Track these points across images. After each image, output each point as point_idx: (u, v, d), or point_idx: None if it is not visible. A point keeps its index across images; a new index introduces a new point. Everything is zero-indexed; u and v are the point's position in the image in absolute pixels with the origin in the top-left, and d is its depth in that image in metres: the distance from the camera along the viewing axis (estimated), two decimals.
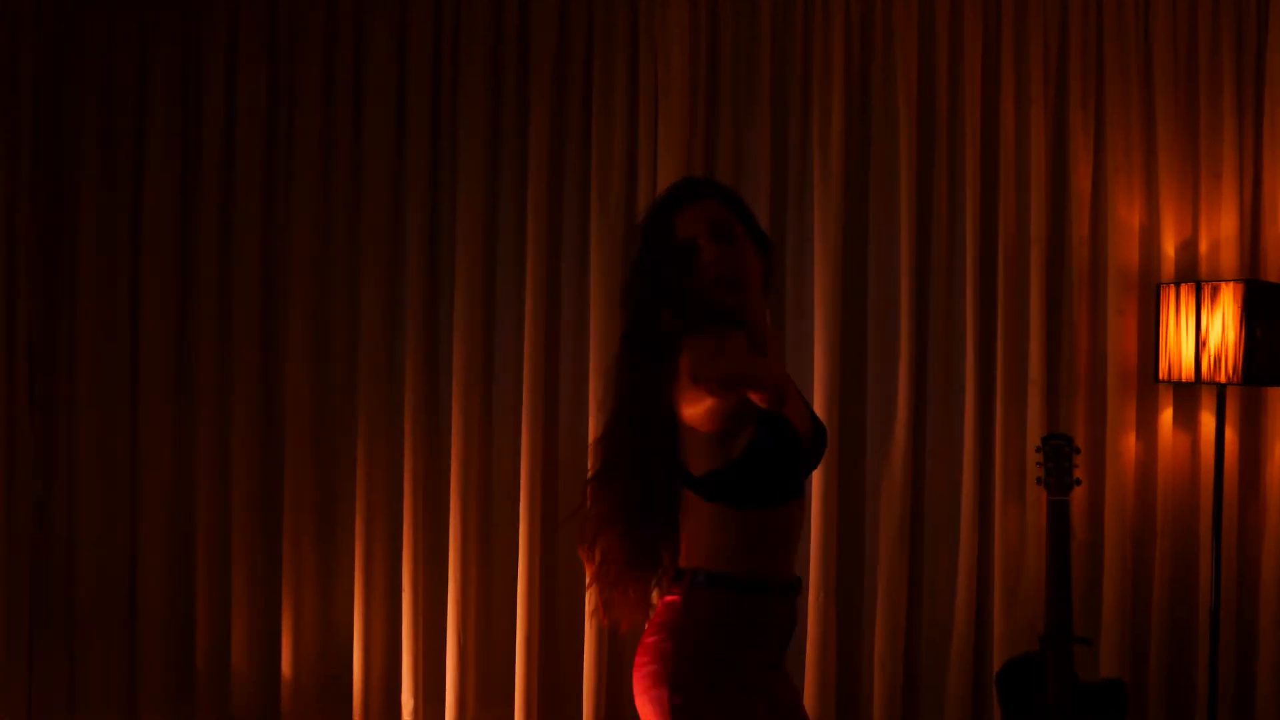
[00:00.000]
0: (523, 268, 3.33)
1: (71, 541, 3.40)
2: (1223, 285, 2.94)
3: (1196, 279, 3.14)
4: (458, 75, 3.36)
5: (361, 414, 3.36)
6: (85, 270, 3.41)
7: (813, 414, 1.90)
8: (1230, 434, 3.15)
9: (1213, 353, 2.93)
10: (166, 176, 3.42)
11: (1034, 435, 3.16)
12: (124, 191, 3.43)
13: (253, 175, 3.40)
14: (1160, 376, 3.08)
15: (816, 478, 3.18)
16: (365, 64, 3.39)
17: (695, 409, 1.70)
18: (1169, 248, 3.25)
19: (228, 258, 3.41)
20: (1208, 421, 3.18)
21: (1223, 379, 2.93)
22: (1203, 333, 2.95)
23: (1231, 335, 2.91)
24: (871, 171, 3.29)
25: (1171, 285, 3.06)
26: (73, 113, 3.42)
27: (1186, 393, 3.23)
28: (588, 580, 1.87)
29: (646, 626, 1.80)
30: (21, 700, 3.32)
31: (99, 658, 3.39)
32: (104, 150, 3.42)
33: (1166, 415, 3.24)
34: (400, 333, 3.37)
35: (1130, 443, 3.23)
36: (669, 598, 1.79)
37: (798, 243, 3.31)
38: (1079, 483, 2.97)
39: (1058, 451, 2.96)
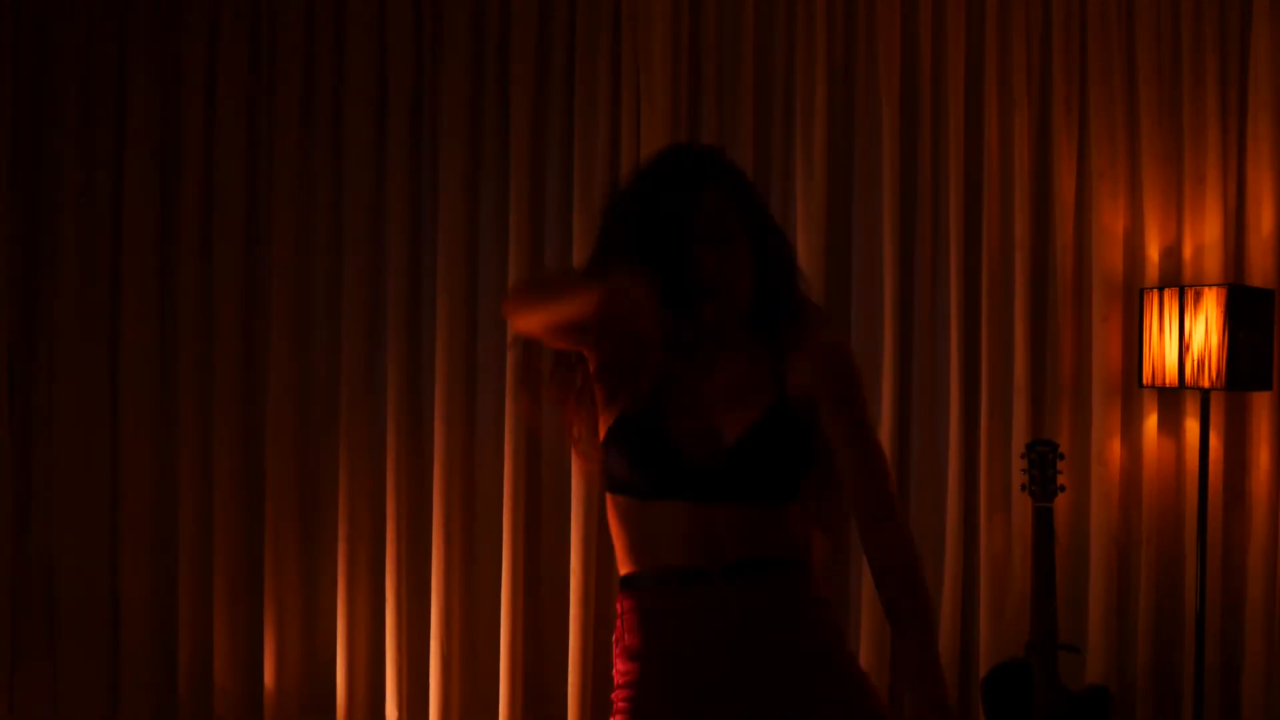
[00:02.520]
0: (505, 270, 3.32)
1: (52, 557, 3.40)
2: (1205, 290, 2.93)
3: (1180, 284, 3.13)
4: (438, 75, 3.35)
5: (343, 426, 3.36)
6: (65, 279, 3.41)
7: (751, 434, 1.60)
8: (1215, 439, 3.15)
9: (1196, 357, 2.92)
10: (146, 182, 3.41)
11: (1019, 442, 3.15)
12: (103, 197, 3.42)
13: (234, 184, 3.40)
14: (1144, 382, 3.07)
15: None
16: (345, 65, 3.38)
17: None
18: (1153, 253, 3.24)
19: (208, 265, 3.41)
20: (1192, 427, 3.17)
21: (1206, 384, 2.92)
22: (1186, 337, 2.94)
23: (1215, 340, 2.90)
24: (855, 176, 3.29)
25: (1155, 290, 3.06)
26: (50, 121, 3.42)
27: (1171, 399, 3.22)
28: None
29: None
30: (3, 716, 3.31)
31: (81, 673, 3.39)
32: (82, 158, 3.42)
33: (1151, 421, 3.23)
34: (381, 342, 3.37)
35: (1115, 449, 3.22)
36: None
37: None
38: (1063, 489, 2.97)
39: (1042, 458, 2.96)
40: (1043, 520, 2.94)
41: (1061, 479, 2.97)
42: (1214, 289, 2.93)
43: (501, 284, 3.31)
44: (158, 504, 3.41)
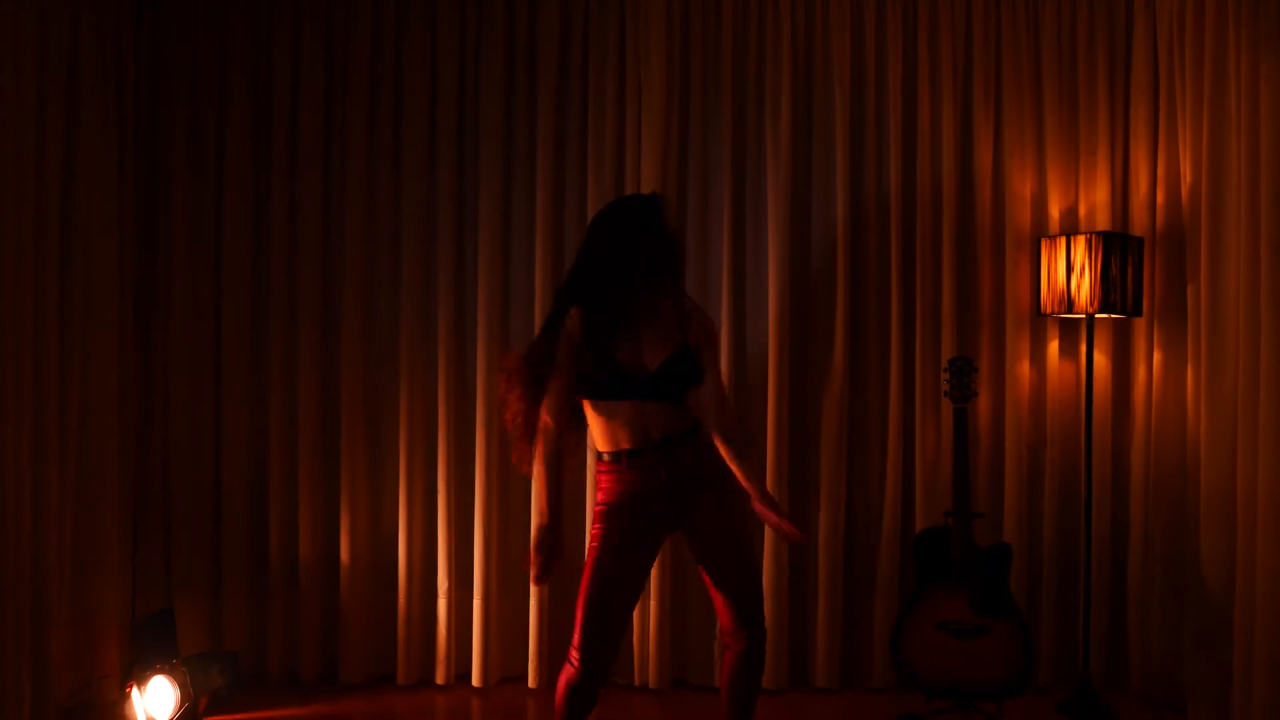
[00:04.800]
0: (533, 234, 3.98)
1: (167, 452, 4.00)
2: (1086, 237, 3.70)
3: (1069, 234, 3.87)
4: (479, 87, 3.99)
5: (403, 349, 3.97)
6: (178, 226, 3.98)
7: (674, 357, 2.68)
8: (1101, 358, 3.91)
9: (1077, 290, 3.68)
10: (242, 157, 4.01)
11: (946, 360, 3.82)
12: (209, 169, 4.03)
13: (313, 161, 4.02)
14: (1043, 311, 3.83)
15: (771, 400, 3.88)
16: (403, 81, 3.99)
17: None
18: (1055, 212, 3.97)
19: (294, 223, 4.01)
20: (1086, 349, 3.92)
21: (1084, 310, 3.68)
22: (1073, 274, 3.71)
23: (1092, 276, 3.66)
24: (814, 154, 3.97)
25: (1050, 239, 3.82)
26: (166, 111, 4.04)
27: (1070, 326, 3.98)
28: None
29: None
30: (127, 586, 3.96)
31: (190, 550, 3.99)
32: (191, 139, 4.03)
33: (1054, 345, 3.95)
34: (433, 293, 3.98)
35: (1025, 367, 3.95)
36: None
37: (755, 211, 3.99)
38: (976, 394, 3.71)
39: (960, 370, 3.70)
40: (960, 418, 3.69)
41: (975, 387, 3.72)
42: (1093, 236, 3.69)
43: (530, 239, 3.98)
44: (253, 414, 4.01)
